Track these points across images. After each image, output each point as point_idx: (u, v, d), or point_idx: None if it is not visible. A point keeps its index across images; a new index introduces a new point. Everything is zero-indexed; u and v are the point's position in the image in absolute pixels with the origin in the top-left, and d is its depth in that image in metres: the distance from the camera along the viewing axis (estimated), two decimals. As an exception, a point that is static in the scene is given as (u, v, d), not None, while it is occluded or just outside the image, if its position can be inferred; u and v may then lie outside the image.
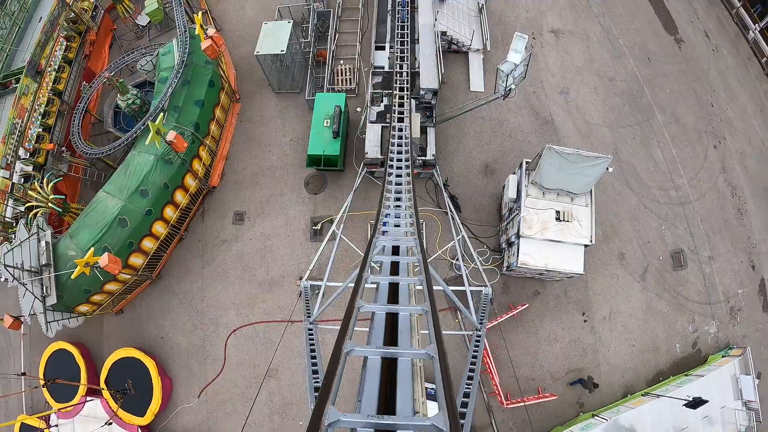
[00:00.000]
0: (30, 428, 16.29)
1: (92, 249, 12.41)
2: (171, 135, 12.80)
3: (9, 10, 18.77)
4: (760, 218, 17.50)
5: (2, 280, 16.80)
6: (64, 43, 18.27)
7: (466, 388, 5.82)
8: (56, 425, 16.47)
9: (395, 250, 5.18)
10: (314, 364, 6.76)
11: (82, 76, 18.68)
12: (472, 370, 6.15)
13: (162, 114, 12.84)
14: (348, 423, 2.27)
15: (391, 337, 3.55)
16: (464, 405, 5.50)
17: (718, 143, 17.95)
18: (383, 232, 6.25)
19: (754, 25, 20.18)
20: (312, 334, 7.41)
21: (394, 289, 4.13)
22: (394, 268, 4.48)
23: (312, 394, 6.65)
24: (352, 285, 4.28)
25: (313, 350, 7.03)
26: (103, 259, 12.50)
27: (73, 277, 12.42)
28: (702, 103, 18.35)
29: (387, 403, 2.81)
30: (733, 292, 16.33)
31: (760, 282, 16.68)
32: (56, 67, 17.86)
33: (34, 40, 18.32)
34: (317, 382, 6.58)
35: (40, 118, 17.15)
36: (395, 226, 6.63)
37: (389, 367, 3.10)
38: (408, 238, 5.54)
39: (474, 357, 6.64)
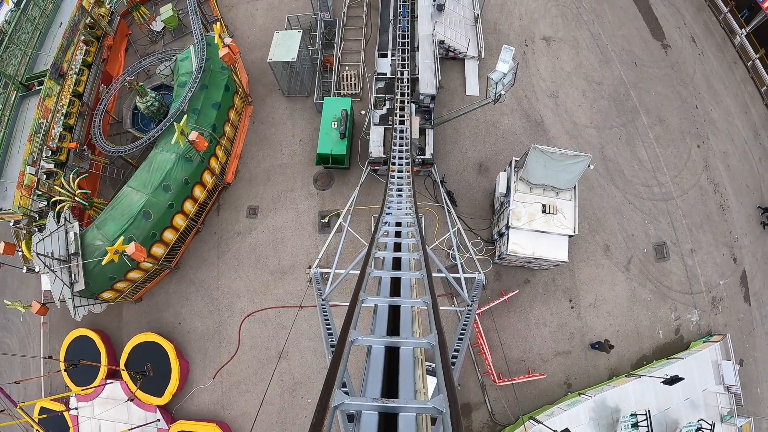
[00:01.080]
0: (49, 412, 18.13)
1: (122, 238, 14.37)
2: (193, 135, 14.78)
3: (31, 16, 20.80)
4: (742, 214, 19.42)
5: (24, 271, 18.84)
6: (84, 47, 20.33)
7: (457, 345, 7.84)
8: (76, 408, 18.37)
9: (398, 225, 7.10)
10: (328, 328, 8.77)
11: (101, 79, 20.75)
12: (462, 333, 8.15)
13: (186, 116, 14.85)
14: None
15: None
16: (454, 356, 7.52)
17: (701, 143, 19.92)
18: (388, 214, 8.20)
19: (741, 29, 22.16)
20: (325, 308, 9.44)
21: (396, 262, 6.03)
22: (398, 234, 6.41)
23: (329, 349, 8.63)
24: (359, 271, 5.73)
25: (327, 320, 9.05)
26: (131, 248, 14.43)
27: (104, 263, 14.34)
28: (686, 105, 20.33)
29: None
30: (714, 282, 18.21)
31: (742, 274, 18.55)
32: (77, 70, 19.91)
33: (55, 45, 20.27)
34: (333, 341, 8.59)
35: (62, 118, 19.17)
36: (397, 209, 8.60)
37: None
38: (408, 217, 7.48)
39: (465, 324, 8.64)
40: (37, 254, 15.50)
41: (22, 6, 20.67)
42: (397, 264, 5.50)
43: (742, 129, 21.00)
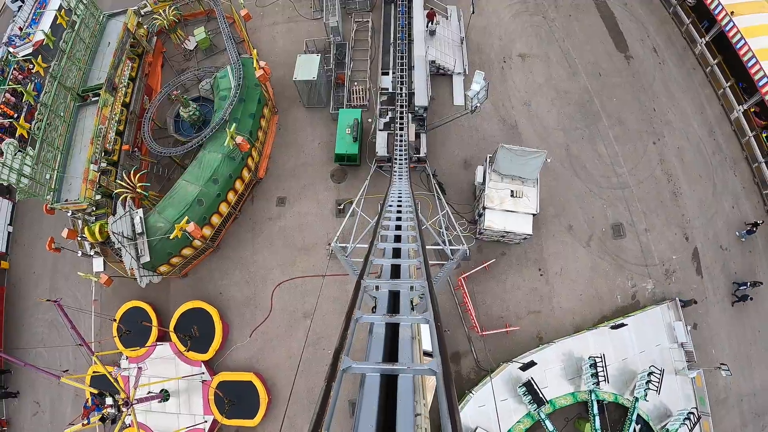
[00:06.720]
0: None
1: (186, 217, 21.81)
2: (239, 139, 22.31)
3: (84, 36, 28.44)
4: (694, 200, 26.60)
5: (79, 255, 26.23)
6: (130, 64, 28.05)
7: (437, 278, 15.27)
8: (127, 368, 25.57)
9: (399, 197, 14.41)
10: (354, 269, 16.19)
11: (144, 91, 28.42)
12: (443, 272, 15.56)
13: (234, 124, 22.42)
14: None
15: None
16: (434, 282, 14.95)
17: (657, 140, 27.32)
18: (393, 188, 15.47)
19: (701, 39, 29.79)
20: (348, 262, 16.87)
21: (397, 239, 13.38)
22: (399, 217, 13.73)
23: (353, 272, 16.03)
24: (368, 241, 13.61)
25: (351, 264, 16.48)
26: (191, 227, 21.81)
27: (171, 237, 21.65)
28: (645, 108, 27.80)
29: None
30: (667, 257, 25.34)
31: (694, 250, 25.58)
32: (125, 83, 27.58)
33: (105, 62, 27.87)
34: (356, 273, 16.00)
35: (115, 125, 26.79)
36: (399, 185, 15.93)
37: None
38: (405, 188, 14.79)
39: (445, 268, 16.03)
40: (113, 233, 22.98)
41: (76, 27, 28.40)
42: (397, 239, 12.73)
43: (697, 127, 28.28)
